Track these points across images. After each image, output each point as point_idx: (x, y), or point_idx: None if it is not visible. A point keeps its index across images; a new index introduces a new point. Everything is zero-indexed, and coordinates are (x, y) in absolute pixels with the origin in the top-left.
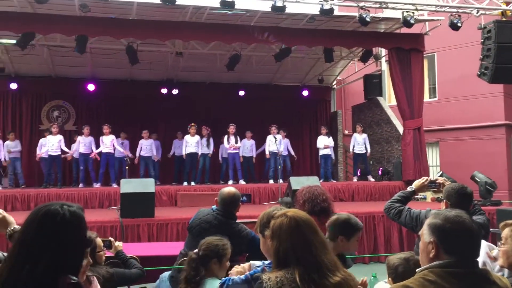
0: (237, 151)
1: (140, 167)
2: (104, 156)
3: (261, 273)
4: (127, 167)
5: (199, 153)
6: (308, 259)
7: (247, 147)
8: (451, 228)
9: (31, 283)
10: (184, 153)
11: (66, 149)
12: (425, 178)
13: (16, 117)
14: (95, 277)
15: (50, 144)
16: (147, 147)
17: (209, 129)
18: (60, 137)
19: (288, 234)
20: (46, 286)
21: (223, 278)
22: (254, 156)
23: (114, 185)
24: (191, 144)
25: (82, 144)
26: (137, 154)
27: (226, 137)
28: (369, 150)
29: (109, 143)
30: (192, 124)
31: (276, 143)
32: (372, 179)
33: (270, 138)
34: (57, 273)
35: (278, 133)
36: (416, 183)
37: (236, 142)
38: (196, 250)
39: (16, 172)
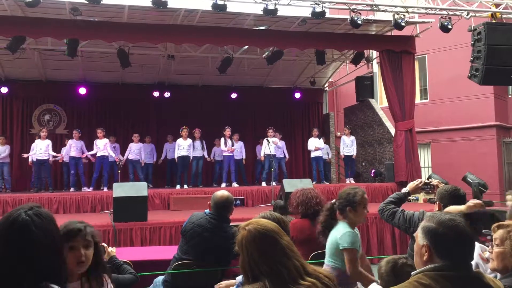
0: (233, 153)
1: (129, 170)
2: (98, 160)
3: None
4: (119, 171)
5: (191, 156)
6: (269, 271)
7: (236, 149)
8: (444, 232)
9: None
10: (176, 156)
11: (54, 153)
12: (420, 180)
13: (7, 121)
14: (106, 275)
15: (38, 148)
16: (136, 150)
17: (200, 131)
18: (48, 142)
19: (248, 248)
20: None
21: None
22: (244, 157)
23: (105, 189)
24: (183, 147)
25: (74, 147)
26: (125, 157)
27: (222, 139)
28: (355, 152)
29: (102, 146)
30: (184, 127)
31: (269, 145)
32: (353, 181)
33: (265, 141)
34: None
35: (274, 135)
36: (411, 185)
37: (232, 145)
38: (334, 200)
39: (4, 177)
